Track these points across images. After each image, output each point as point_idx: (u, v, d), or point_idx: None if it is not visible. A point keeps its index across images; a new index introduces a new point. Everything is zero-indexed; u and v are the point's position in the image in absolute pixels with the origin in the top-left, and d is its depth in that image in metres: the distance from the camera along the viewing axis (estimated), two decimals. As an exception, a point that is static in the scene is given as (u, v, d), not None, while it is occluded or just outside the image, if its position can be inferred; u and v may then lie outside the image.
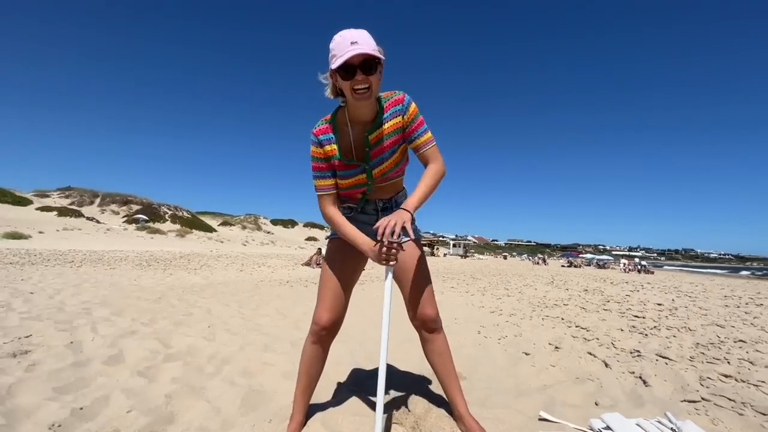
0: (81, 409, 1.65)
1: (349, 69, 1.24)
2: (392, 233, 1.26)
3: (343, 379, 2.23)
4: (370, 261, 1.53)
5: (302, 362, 1.54)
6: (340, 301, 1.52)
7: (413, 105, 1.41)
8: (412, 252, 1.52)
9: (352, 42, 1.22)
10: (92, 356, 2.35)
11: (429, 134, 1.43)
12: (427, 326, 1.52)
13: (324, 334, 1.49)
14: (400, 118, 1.41)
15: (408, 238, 1.51)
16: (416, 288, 1.51)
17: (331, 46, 1.25)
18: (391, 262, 1.33)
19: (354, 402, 1.80)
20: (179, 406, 1.76)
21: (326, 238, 1.68)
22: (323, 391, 2.01)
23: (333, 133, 1.43)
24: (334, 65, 1.24)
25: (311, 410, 1.63)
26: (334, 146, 1.43)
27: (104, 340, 2.70)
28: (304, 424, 1.55)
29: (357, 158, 1.44)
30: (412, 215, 1.33)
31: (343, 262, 1.55)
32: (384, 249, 1.31)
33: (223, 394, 1.90)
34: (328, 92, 1.41)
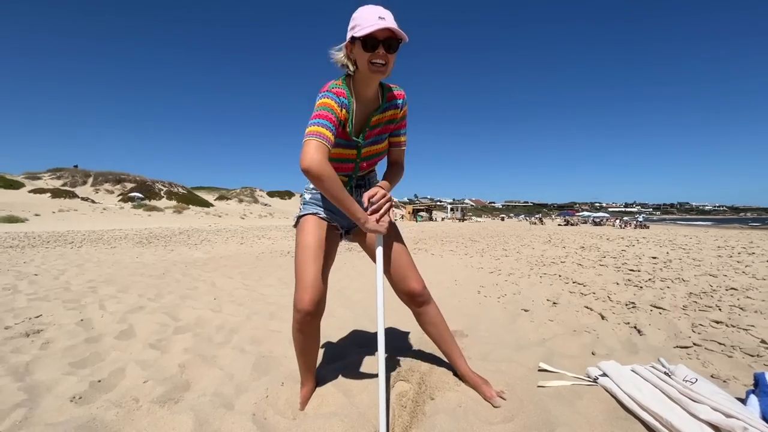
0: (99, 381, 1.71)
1: (372, 42, 1.23)
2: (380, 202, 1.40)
3: (349, 342, 2.30)
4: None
5: (295, 346, 1.50)
6: (319, 284, 1.38)
7: (407, 105, 1.50)
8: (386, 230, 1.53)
9: (379, 17, 1.21)
10: (104, 332, 2.41)
11: (406, 137, 1.56)
12: (416, 300, 1.54)
13: (309, 320, 1.38)
14: (397, 111, 1.47)
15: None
16: (396, 264, 1.51)
17: (355, 15, 1.25)
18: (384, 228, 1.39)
19: (361, 363, 1.88)
20: (193, 374, 1.83)
21: (296, 216, 1.56)
22: (332, 355, 2.09)
23: (347, 100, 1.35)
24: (357, 33, 1.22)
25: (321, 373, 1.70)
26: (348, 115, 1.35)
27: (113, 317, 2.76)
28: (315, 387, 1.61)
29: (354, 134, 1.43)
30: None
31: (317, 241, 1.44)
32: (379, 215, 1.38)
33: (234, 362, 1.97)
34: (341, 56, 1.33)
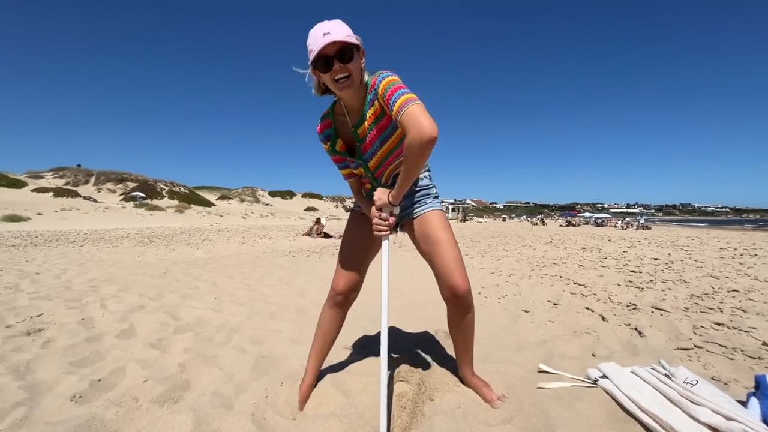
0: (99, 380, 1.72)
1: (326, 61, 1.21)
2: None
3: (350, 342, 2.30)
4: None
5: (318, 325, 1.63)
6: (356, 270, 1.58)
7: (385, 80, 1.24)
8: (435, 222, 1.51)
9: (324, 33, 1.19)
10: (104, 331, 2.42)
11: (403, 97, 1.18)
12: (460, 302, 1.42)
13: (340, 300, 1.58)
14: (376, 104, 1.31)
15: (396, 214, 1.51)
16: (441, 259, 1.45)
17: (308, 43, 1.23)
18: (383, 233, 1.41)
19: (361, 363, 1.88)
20: (193, 374, 1.83)
21: (345, 210, 1.74)
22: (332, 355, 2.08)
23: (332, 128, 1.45)
24: (311, 59, 1.22)
25: (321, 373, 1.70)
26: (328, 144, 1.47)
27: (114, 316, 2.77)
28: (315, 385, 1.62)
29: (354, 152, 1.45)
30: (391, 204, 1.38)
31: (359, 234, 1.60)
32: (373, 224, 1.41)
33: (235, 362, 1.97)
34: (313, 91, 1.38)
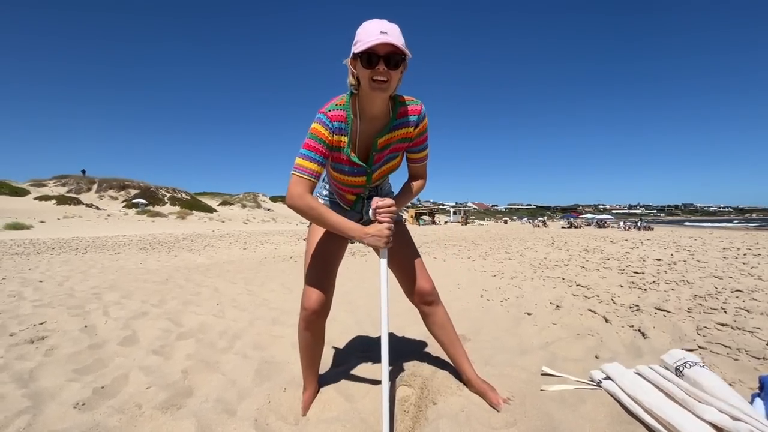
0: (102, 387, 1.72)
1: (372, 58, 1.17)
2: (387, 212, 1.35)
3: (352, 347, 2.30)
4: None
5: (300, 345, 1.54)
6: (326, 284, 1.45)
7: (426, 119, 1.41)
8: (397, 232, 1.50)
9: (381, 31, 1.16)
10: (107, 338, 2.42)
11: (427, 151, 1.48)
12: (426, 300, 1.55)
13: (314, 318, 1.44)
14: (411, 129, 1.38)
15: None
16: (407, 265, 1.54)
17: (358, 31, 1.21)
18: (389, 243, 1.34)
19: (363, 368, 1.87)
20: (196, 380, 1.83)
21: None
22: (334, 360, 2.08)
23: (347, 124, 1.32)
24: (358, 49, 1.18)
25: (323, 378, 1.70)
26: (345, 139, 1.32)
27: (117, 323, 2.78)
28: (318, 390, 1.62)
29: (360, 158, 1.39)
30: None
31: (325, 245, 1.49)
32: (385, 228, 1.31)
33: (237, 367, 1.97)
34: (350, 80, 1.30)
